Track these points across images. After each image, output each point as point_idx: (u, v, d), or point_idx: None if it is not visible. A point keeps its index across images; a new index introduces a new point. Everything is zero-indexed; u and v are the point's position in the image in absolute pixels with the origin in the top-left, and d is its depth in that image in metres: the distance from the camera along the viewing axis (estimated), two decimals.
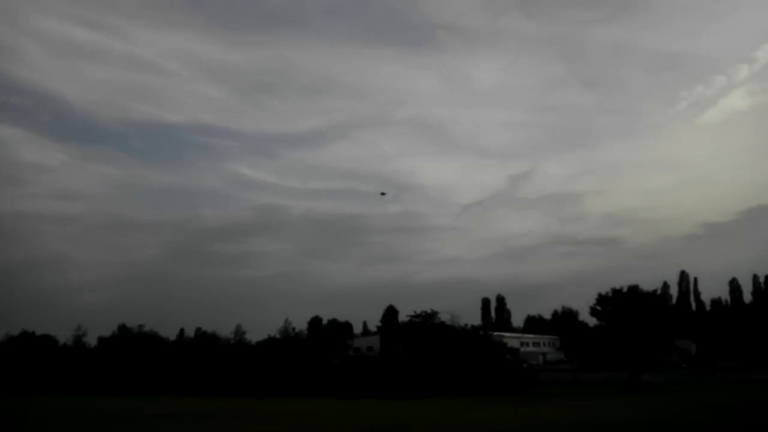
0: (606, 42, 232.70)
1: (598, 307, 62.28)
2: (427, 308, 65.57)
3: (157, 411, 36.13)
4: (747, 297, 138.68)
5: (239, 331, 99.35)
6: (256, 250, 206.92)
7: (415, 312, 66.28)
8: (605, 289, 62.05)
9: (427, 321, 64.37)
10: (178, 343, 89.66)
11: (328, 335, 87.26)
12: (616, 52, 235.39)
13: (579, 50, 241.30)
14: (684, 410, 28.42)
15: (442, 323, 64.25)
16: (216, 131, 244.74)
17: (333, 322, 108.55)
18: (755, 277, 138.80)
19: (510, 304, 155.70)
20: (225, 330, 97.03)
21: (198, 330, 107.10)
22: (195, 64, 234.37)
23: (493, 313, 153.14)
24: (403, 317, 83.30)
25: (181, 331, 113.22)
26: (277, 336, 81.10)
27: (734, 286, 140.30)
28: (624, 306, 59.88)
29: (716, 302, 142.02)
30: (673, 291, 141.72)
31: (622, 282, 71.47)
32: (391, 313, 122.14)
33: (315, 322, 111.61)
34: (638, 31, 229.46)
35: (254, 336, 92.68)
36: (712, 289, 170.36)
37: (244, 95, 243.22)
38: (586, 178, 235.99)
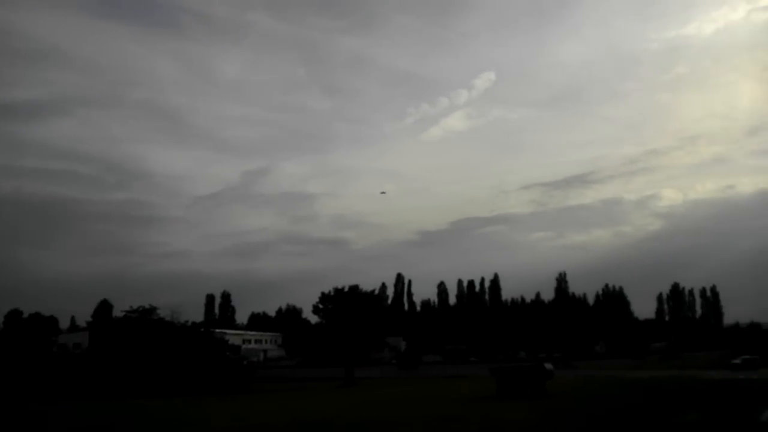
0: (347, 52, 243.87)
1: (320, 305, 64.10)
2: (148, 303, 61.48)
3: None
4: (452, 300, 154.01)
5: None
6: None
7: (131, 307, 61.79)
8: (329, 287, 64.36)
9: (144, 317, 60.32)
10: None
11: (28, 330, 77.87)
12: (355, 62, 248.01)
13: (321, 56, 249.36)
14: (384, 403, 29.92)
15: (161, 319, 60.74)
16: None
17: (35, 316, 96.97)
18: (460, 282, 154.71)
19: (236, 301, 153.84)
20: None
21: None
22: None
23: (217, 310, 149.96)
24: (119, 312, 77.73)
25: None
26: None
27: (442, 289, 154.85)
28: (344, 304, 62.42)
29: (426, 303, 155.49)
30: (390, 292, 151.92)
31: (347, 281, 74.84)
32: (104, 307, 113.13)
33: (13, 315, 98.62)
34: (376, 46, 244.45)
35: None
36: (423, 291, 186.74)
37: None
38: (320, 180, 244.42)
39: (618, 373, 57.76)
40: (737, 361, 67.80)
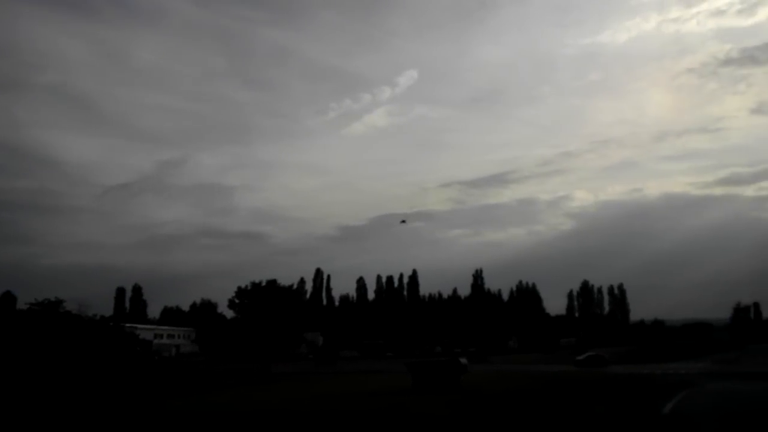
0: (270, 44, 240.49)
1: (237, 300, 63.04)
2: (54, 296, 58.60)
3: None
4: (371, 295, 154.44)
5: None
6: None
7: (36, 300, 58.76)
8: (247, 282, 63.27)
9: (49, 310, 57.48)
10: None
11: None
12: (278, 55, 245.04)
13: (244, 47, 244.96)
14: (298, 399, 29.59)
15: (68, 313, 58.12)
16: None
17: None
18: (379, 278, 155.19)
19: (149, 295, 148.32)
20: None
21: None
22: None
23: (128, 304, 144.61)
24: (23, 305, 73.82)
25: None
26: None
27: (361, 284, 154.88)
28: (261, 299, 61.57)
29: (345, 298, 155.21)
30: (309, 287, 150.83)
31: (265, 276, 73.75)
32: (7, 300, 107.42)
33: None
34: (300, 40, 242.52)
35: None
36: (342, 286, 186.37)
37: None
38: (239, 173, 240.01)
39: (530, 367, 59.40)
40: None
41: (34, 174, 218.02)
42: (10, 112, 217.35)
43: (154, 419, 22.52)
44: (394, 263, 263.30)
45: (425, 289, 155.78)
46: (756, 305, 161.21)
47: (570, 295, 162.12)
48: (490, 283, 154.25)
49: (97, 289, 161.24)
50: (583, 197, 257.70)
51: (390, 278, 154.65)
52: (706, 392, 26.40)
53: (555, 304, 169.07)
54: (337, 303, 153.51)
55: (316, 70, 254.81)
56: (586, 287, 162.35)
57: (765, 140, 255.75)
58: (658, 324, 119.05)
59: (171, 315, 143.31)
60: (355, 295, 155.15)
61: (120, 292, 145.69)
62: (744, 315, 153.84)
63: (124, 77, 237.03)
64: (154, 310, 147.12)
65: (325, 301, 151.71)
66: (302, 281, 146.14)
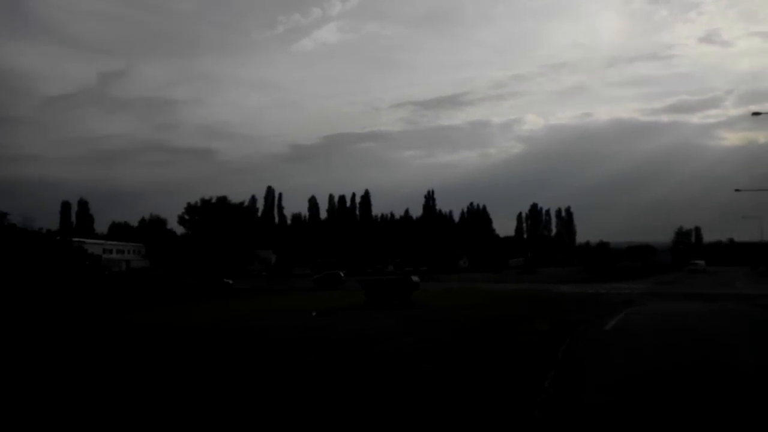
0: None
1: (187, 216, 62.43)
2: None
3: None
4: (323, 215, 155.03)
5: None
6: None
7: None
8: (196, 199, 62.47)
9: None
10: None
11: None
12: None
13: None
14: (254, 312, 30.07)
15: (13, 225, 56.80)
16: None
17: None
18: (331, 197, 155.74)
19: (95, 210, 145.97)
20: None
21: None
22: None
23: (74, 218, 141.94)
24: None
25: None
26: None
27: (313, 203, 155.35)
28: (212, 216, 61.10)
29: (297, 217, 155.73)
30: (260, 205, 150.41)
31: (215, 193, 72.80)
32: None
33: None
34: None
35: None
36: (294, 205, 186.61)
37: None
38: (184, 87, 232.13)
39: (478, 285, 61.20)
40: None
41: None
42: None
43: (110, 331, 22.57)
44: (347, 183, 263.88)
45: (378, 209, 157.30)
46: (697, 229, 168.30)
47: (519, 217, 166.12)
48: (442, 205, 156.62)
49: (41, 204, 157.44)
50: (534, 121, 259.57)
51: (342, 198, 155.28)
52: (645, 311, 27.72)
53: (505, 225, 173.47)
54: (289, 222, 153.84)
55: None
56: (534, 209, 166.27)
57: (712, 69, 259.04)
58: (603, 246, 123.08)
59: (119, 230, 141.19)
60: (307, 214, 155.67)
61: (65, 206, 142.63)
62: (686, 239, 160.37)
63: None
64: (101, 226, 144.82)
65: (277, 220, 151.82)
66: (253, 199, 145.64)
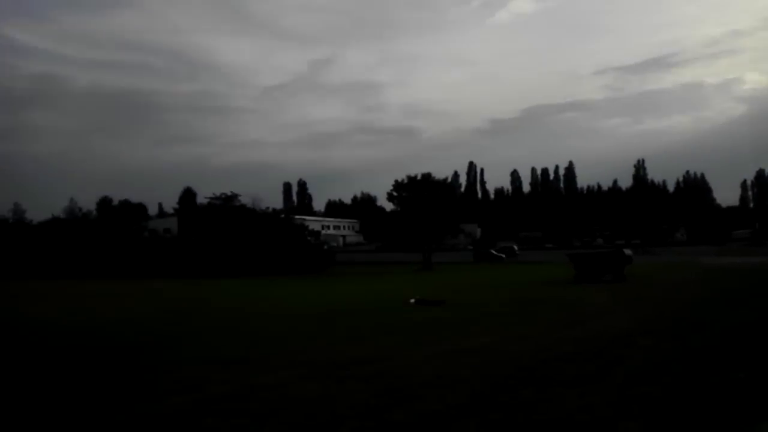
0: None
1: (394, 193, 65.00)
2: (230, 191, 64.02)
3: None
4: (526, 187, 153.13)
5: (18, 210, 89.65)
6: (32, 125, 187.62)
7: (214, 194, 64.49)
8: (401, 176, 64.87)
9: (227, 203, 62.94)
10: None
11: (120, 216, 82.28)
12: None
13: None
14: (464, 287, 30.89)
15: (243, 206, 63.26)
16: None
17: (125, 203, 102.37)
18: (533, 170, 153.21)
19: (311, 190, 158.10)
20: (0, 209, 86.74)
21: None
22: None
23: (294, 198, 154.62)
24: (201, 200, 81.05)
25: None
26: (62, 216, 74.42)
27: (515, 177, 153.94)
28: (418, 192, 63.05)
29: (499, 191, 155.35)
30: (463, 180, 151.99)
31: (418, 170, 75.10)
32: (189, 195, 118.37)
33: (104, 202, 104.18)
34: None
35: (36, 216, 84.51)
36: (496, 179, 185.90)
37: None
38: (386, 69, 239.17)
39: (697, 259, 56.82)
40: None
41: (197, 77, 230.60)
42: (170, 18, 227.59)
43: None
44: (549, 156, 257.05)
45: (582, 181, 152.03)
46: None
47: (743, 185, 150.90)
48: (654, 174, 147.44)
49: (264, 185, 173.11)
50: (756, 80, 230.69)
51: (545, 170, 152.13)
52: None
53: (726, 195, 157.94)
54: (491, 196, 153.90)
55: None
56: (761, 176, 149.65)
57: None
58: None
59: (335, 208, 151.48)
60: (509, 187, 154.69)
61: (287, 186, 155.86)
62: None
63: None
64: (318, 204, 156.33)
65: (479, 194, 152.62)
66: (456, 175, 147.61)
